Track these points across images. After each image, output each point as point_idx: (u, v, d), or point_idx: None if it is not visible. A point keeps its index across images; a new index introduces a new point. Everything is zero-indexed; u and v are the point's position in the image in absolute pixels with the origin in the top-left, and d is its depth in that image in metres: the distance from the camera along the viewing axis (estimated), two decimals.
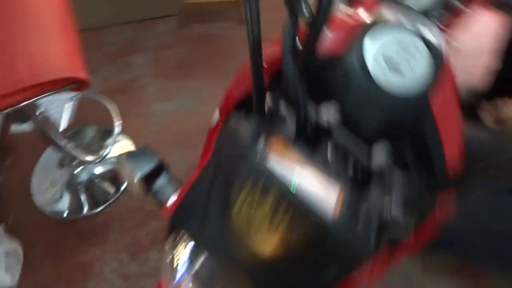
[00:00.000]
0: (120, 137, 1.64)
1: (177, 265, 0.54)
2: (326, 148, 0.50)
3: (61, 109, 1.53)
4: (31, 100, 0.95)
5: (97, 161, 1.48)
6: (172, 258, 0.54)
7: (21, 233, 1.41)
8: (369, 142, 0.49)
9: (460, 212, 0.65)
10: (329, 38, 0.53)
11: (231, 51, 2.01)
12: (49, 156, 1.61)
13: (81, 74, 0.98)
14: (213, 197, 0.47)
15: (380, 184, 0.47)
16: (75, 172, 1.54)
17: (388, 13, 0.47)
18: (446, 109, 0.57)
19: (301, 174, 0.40)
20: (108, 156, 1.59)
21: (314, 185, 0.40)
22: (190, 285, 0.53)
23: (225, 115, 0.59)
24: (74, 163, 1.52)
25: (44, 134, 1.33)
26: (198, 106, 1.78)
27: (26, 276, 1.34)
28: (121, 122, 1.53)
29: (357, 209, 0.42)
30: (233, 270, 0.48)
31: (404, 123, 0.54)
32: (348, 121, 0.51)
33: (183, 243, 0.53)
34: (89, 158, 1.46)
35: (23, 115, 1.18)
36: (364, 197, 0.45)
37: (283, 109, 0.48)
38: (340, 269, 0.46)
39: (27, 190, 1.54)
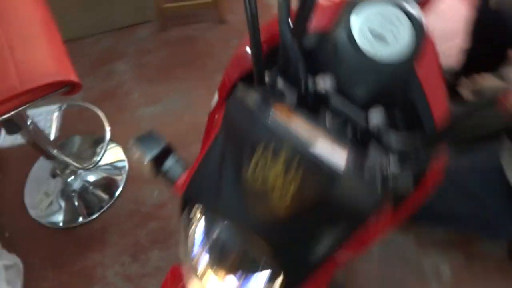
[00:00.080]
0: (110, 144, 1.64)
1: (193, 239, 0.56)
2: (325, 115, 0.53)
3: (49, 120, 1.53)
4: (25, 106, 0.96)
5: (89, 168, 1.49)
6: (187, 233, 0.57)
7: (19, 246, 1.41)
8: (364, 108, 0.53)
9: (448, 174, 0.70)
10: (317, 15, 0.57)
11: (211, 51, 2.04)
12: (40, 167, 1.60)
13: (72, 77, 0.99)
14: (225, 167, 0.50)
15: (378, 144, 0.50)
16: (69, 180, 1.54)
17: None
18: (430, 73, 0.61)
19: (309, 134, 0.44)
20: (100, 163, 1.60)
21: (322, 143, 0.44)
22: (206, 257, 0.56)
23: (224, 95, 0.62)
24: (67, 171, 1.52)
25: (36, 145, 1.33)
26: (185, 106, 1.80)
27: (28, 287, 1.34)
28: (109, 128, 1.54)
29: (361, 164, 0.46)
30: (249, 235, 0.51)
31: (393, 89, 0.58)
32: (342, 90, 0.55)
33: (197, 218, 0.56)
34: (82, 165, 1.46)
35: (14, 126, 1.18)
36: (365, 156, 0.49)
37: (281, 84, 0.51)
38: (350, 224, 0.50)
39: (20, 203, 1.53)
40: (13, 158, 1.67)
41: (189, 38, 2.10)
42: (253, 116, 0.43)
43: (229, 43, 2.06)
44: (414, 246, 1.41)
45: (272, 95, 0.49)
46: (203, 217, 0.55)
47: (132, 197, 1.54)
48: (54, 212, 1.50)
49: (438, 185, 0.66)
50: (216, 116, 0.63)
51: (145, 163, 0.58)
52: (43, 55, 1.02)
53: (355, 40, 0.56)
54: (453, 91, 1.60)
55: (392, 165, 0.49)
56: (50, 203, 1.52)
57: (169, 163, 0.61)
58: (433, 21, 0.65)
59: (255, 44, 0.47)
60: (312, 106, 0.52)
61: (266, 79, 0.53)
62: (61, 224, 1.49)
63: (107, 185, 1.61)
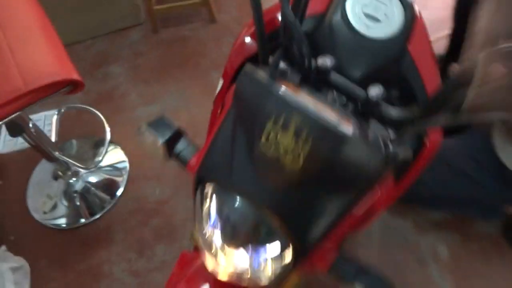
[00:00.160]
0: (110, 146, 1.66)
1: (206, 216, 0.59)
2: (328, 92, 0.57)
3: (49, 123, 1.55)
4: (29, 107, 0.99)
5: (92, 168, 1.51)
6: (201, 211, 0.60)
7: (24, 249, 1.43)
8: (362, 85, 0.57)
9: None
10: (313, 0, 0.61)
11: (204, 50, 2.07)
12: (41, 170, 1.62)
13: (74, 76, 1.02)
14: (237, 144, 0.53)
15: (378, 116, 0.54)
16: (71, 182, 1.56)
17: None
18: (422, 50, 0.65)
19: (316, 106, 0.47)
20: (101, 164, 1.62)
21: (329, 113, 0.47)
22: (219, 233, 0.59)
23: (229, 80, 0.66)
24: (69, 173, 1.54)
25: (38, 147, 1.35)
26: (182, 105, 1.82)
27: None
28: (109, 130, 1.56)
29: (365, 132, 0.49)
30: (260, 209, 0.55)
31: (388, 66, 0.62)
32: (341, 69, 0.58)
33: (210, 195, 0.59)
34: (84, 166, 1.49)
35: (17, 127, 1.20)
36: (367, 127, 0.52)
37: (283, 66, 0.54)
38: (357, 190, 0.53)
39: (23, 207, 1.55)
40: (13, 163, 1.68)
41: (181, 38, 2.13)
42: (264, 87, 0.46)
43: (221, 41, 2.09)
44: (412, 230, 1.45)
45: (277, 75, 0.52)
46: (216, 194, 0.58)
47: (134, 196, 1.57)
48: (58, 214, 1.52)
49: (434, 161, 0.70)
50: (224, 99, 0.66)
51: (159, 146, 0.61)
52: (44, 56, 1.05)
53: (350, 22, 0.60)
54: (444, 76, 1.64)
55: (392, 135, 0.52)
56: (53, 205, 1.54)
57: (181, 145, 0.64)
58: (422, 13, 0.69)
59: (259, 25, 0.50)
60: (315, 84, 0.56)
61: (270, 61, 0.56)
62: (65, 225, 1.51)
63: (109, 185, 1.63)
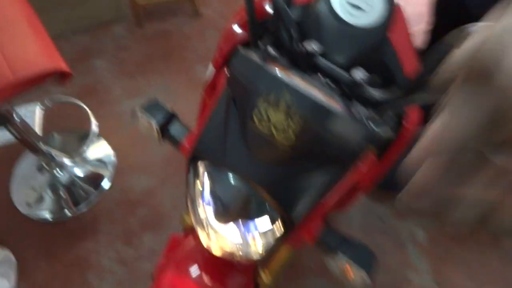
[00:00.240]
0: (96, 138, 1.67)
1: (199, 193, 0.63)
2: (314, 76, 0.61)
3: (33, 117, 1.55)
4: (18, 95, 1.00)
5: (77, 160, 1.51)
6: (193, 189, 0.63)
7: (10, 242, 1.42)
8: (346, 70, 0.61)
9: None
10: None
11: (187, 44, 2.09)
12: (25, 163, 1.61)
13: (62, 66, 1.03)
14: (230, 123, 0.56)
15: (361, 97, 0.58)
16: (56, 174, 1.56)
17: None
18: (401, 37, 0.70)
19: (305, 85, 0.51)
20: (87, 157, 1.63)
21: (317, 92, 0.51)
22: (211, 209, 0.62)
23: (219, 66, 0.69)
24: (54, 165, 1.54)
25: (23, 139, 1.35)
26: (167, 98, 1.84)
27: (24, 280, 1.36)
28: (97, 123, 1.57)
29: (350, 111, 0.53)
30: (251, 185, 0.58)
31: (370, 52, 0.66)
32: (327, 55, 0.62)
33: (202, 174, 0.62)
34: (69, 157, 1.49)
35: (2, 119, 1.20)
36: (352, 106, 0.56)
37: (272, 51, 0.58)
38: (343, 165, 0.57)
39: (7, 201, 1.54)
40: None
41: (166, 32, 2.14)
42: (256, 67, 0.50)
43: (205, 35, 2.12)
44: (391, 215, 1.51)
45: (267, 57, 0.56)
46: (208, 172, 0.61)
47: (120, 188, 1.58)
48: (42, 206, 1.52)
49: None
50: (215, 84, 0.69)
51: (153, 128, 0.64)
52: (32, 46, 1.06)
53: (334, 10, 0.64)
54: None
55: (374, 115, 0.56)
56: (38, 198, 1.54)
57: (174, 127, 0.67)
58: (402, 6, 0.74)
59: (250, 10, 0.53)
60: (302, 69, 0.59)
61: (260, 46, 0.60)
62: (50, 217, 1.51)
63: (94, 178, 1.64)
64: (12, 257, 1.38)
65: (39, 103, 1.53)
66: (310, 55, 0.57)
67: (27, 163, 1.62)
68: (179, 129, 0.67)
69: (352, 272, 0.61)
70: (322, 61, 0.60)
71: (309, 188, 0.58)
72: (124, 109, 1.82)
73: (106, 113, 1.80)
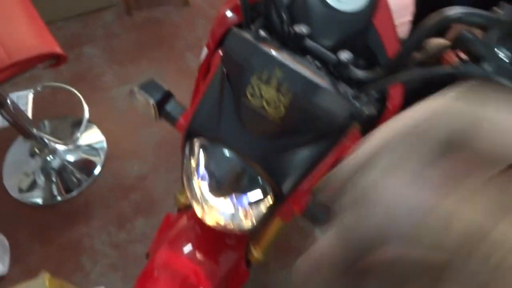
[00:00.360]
0: (88, 125, 1.69)
1: (194, 169, 0.66)
2: (303, 57, 0.64)
3: (26, 102, 1.56)
4: (13, 78, 1.01)
5: (69, 145, 1.53)
6: (189, 165, 0.67)
7: (2, 226, 1.44)
8: (333, 52, 0.64)
9: None
10: None
11: (177, 33, 2.10)
12: (18, 149, 1.63)
13: (57, 49, 1.05)
14: (224, 100, 0.60)
15: (347, 77, 0.62)
16: (48, 159, 1.58)
17: None
18: (384, 22, 0.74)
19: (296, 64, 0.54)
20: (78, 144, 1.65)
21: (306, 69, 0.54)
22: (205, 183, 0.66)
23: (212, 48, 0.72)
24: (46, 151, 1.56)
25: (16, 123, 1.36)
26: None
27: (17, 262, 1.38)
28: (87, 107, 1.59)
29: (337, 88, 0.57)
30: (244, 159, 0.62)
31: (356, 35, 0.70)
32: (315, 38, 0.66)
33: (197, 150, 0.65)
34: (62, 142, 1.51)
35: None
36: (338, 84, 0.60)
37: (263, 34, 0.61)
38: (329, 139, 0.61)
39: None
40: None
41: (155, 21, 2.15)
42: (249, 45, 0.53)
43: (194, 24, 2.13)
44: None
45: (259, 37, 0.59)
46: (203, 148, 0.65)
47: (112, 173, 1.60)
48: (36, 191, 1.54)
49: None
50: (209, 65, 0.72)
51: (150, 106, 0.67)
52: (26, 30, 1.07)
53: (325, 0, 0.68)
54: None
55: (359, 94, 0.60)
56: (31, 183, 1.55)
57: (170, 106, 0.70)
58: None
59: None
60: (292, 50, 0.63)
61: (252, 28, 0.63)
62: (43, 202, 1.53)
63: (86, 165, 1.65)
64: (5, 241, 1.40)
65: (31, 90, 1.54)
66: (299, 37, 0.60)
67: (20, 149, 1.63)
68: (175, 108, 0.70)
69: None
70: (311, 43, 0.64)
71: (298, 162, 0.62)
72: (115, 96, 1.84)
73: (97, 99, 1.81)
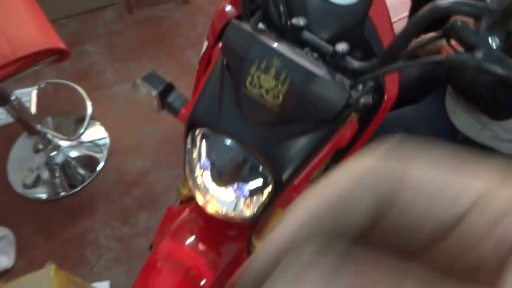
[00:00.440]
0: (91, 121, 1.70)
1: (196, 159, 0.68)
2: (301, 48, 0.66)
3: (29, 99, 1.58)
4: (17, 74, 1.03)
5: (73, 140, 1.55)
6: (191, 155, 0.68)
7: (8, 220, 1.46)
8: (330, 44, 0.66)
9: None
10: None
11: (178, 30, 2.12)
12: (21, 145, 1.65)
13: (61, 45, 1.07)
14: (224, 91, 0.61)
15: (343, 67, 0.64)
16: (51, 155, 1.60)
17: None
18: (380, 15, 0.76)
19: (294, 54, 0.56)
20: (81, 140, 1.67)
21: (303, 60, 0.56)
22: (207, 173, 0.67)
23: (213, 41, 0.74)
24: (50, 147, 1.58)
25: (20, 119, 1.39)
26: None
27: (22, 256, 1.40)
28: (91, 103, 1.61)
29: (333, 77, 0.59)
30: (245, 148, 0.64)
31: (352, 27, 0.72)
32: (313, 30, 0.67)
33: (199, 140, 0.67)
34: (66, 138, 1.53)
35: (1, 98, 1.24)
36: (334, 74, 0.62)
37: (262, 26, 0.63)
38: (326, 129, 0.63)
39: (5, 182, 1.58)
40: None
41: (156, 18, 2.17)
42: (248, 36, 0.55)
43: (195, 22, 2.15)
44: None
45: (258, 28, 0.61)
46: (205, 138, 0.67)
47: (115, 169, 1.62)
48: (40, 186, 1.56)
49: (394, 127, 0.79)
50: (210, 57, 0.74)
51: (153, 97, 0.69)
52: (30, 26, 1.09)
53: None
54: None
55: (355, 84, 0.62)
56: (35, 178, 1.57)
57: (172, 97, 0.72)
58: None
59: None
60: (290, 42, 0.65)
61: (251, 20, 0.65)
62: (47, 197, 1.55)
63: (89, 161, 1.68)
64: (10, 234, 1.42)
65: (35, 87, 1.56)
66: (296, 29, 0.62)
67: (24, 145, 1.65)
68: (177, 99, 0.72)
69: None
70: (308, 35, 0.65)
71: (297, 150, 0.64)
72: (117, 93, 1.86)
73: (99, 96, 1.83)
